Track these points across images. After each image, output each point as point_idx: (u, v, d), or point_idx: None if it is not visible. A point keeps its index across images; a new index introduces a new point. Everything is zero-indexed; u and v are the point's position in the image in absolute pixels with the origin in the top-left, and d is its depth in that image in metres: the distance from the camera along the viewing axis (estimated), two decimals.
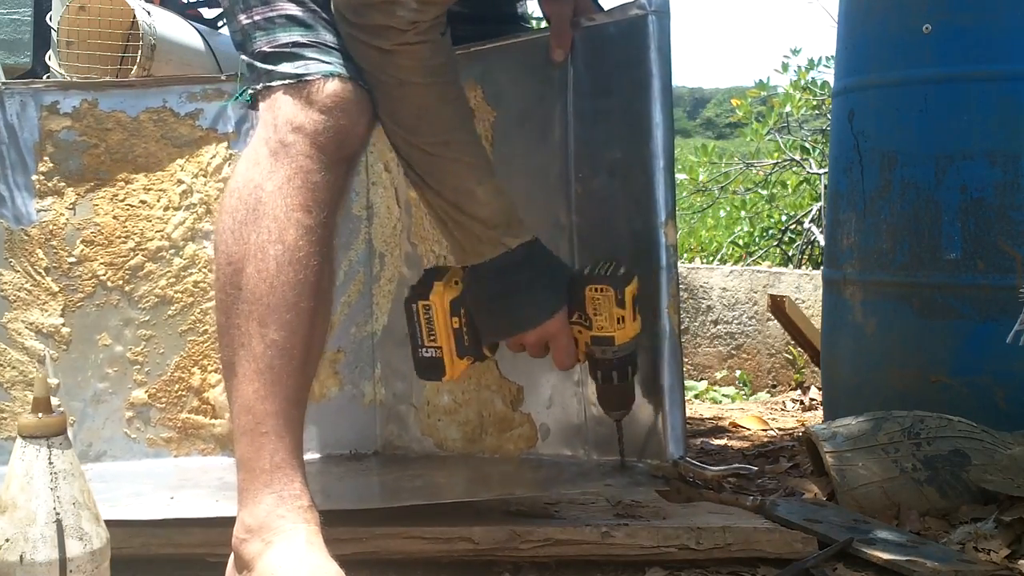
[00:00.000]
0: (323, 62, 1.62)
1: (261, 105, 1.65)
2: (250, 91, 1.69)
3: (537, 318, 1.68)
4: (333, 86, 1.61)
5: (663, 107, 1.71)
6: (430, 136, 1.64)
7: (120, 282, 2.10)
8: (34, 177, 2.09)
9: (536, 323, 1.68)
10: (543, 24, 1.95)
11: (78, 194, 2.09)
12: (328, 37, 1.65)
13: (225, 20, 1.82)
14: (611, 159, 1.77)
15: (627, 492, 1.82)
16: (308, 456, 1.63)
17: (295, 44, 1.64)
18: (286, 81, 1.62)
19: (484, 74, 1.96)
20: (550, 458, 1.92)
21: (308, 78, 1.61)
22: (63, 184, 2.09)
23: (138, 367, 2.10)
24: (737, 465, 1.66)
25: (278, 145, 1.59)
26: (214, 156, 2.12)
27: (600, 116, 1.80)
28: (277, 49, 1.65)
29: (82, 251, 2.09)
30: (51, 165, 2.09)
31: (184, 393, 2.10)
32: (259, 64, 1.66)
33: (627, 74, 1.75)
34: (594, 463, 1.85)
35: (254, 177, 1.59)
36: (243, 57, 1.70)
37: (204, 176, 2.11)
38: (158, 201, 2.11)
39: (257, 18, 1.68)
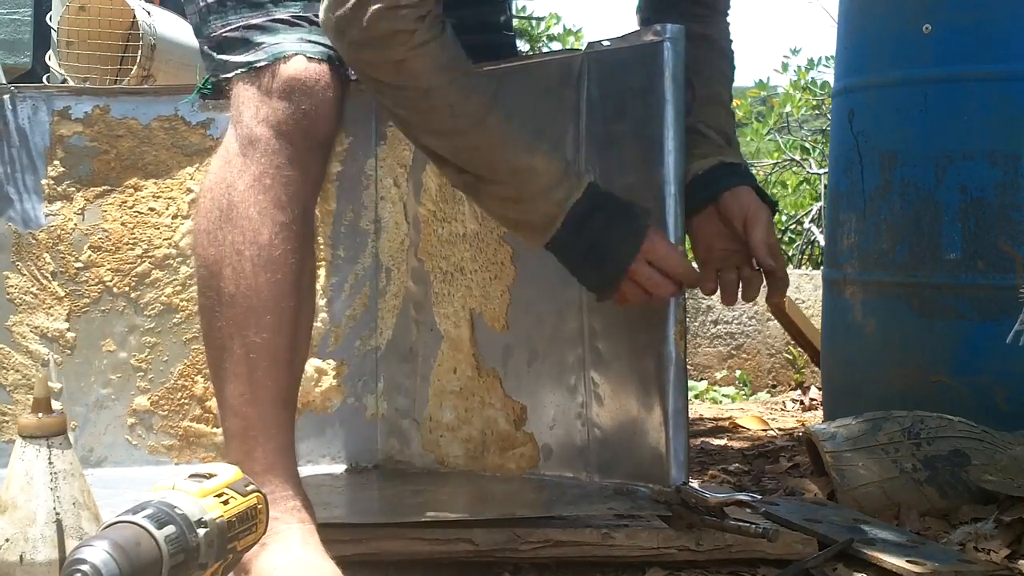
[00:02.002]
0: (274, 44, 1.57)
1: (230, 99, 1.63)
2: (211, 81, 1.67)
3: (636, 243, 1.58)
4: (288, 68, 1.56)
5: (676, 134, 1.70)
6: (472, 132, 1.57)
7: (126, 288, 2.09)
8: (43, 181, 2.08)
9: (636, 248, 1.57)
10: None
11: (87, 199, 2.09)
12: (280, 12, 1.60)
13: (184, 3, 1.77)
14: (622, 183, 1.76)
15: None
16: (309, 467, 1.63)
17: (247, 27, 1.59)
18: (239, 71, 1.59)
19: (496, 94, 1.95)
20: (552, 479, 1.92)
21: (259, 64, 1.57)
22: (72, 189, 2.09)
23: (141, 374, 2.10)
24: (740, 495, 1.66)
25: (245, 141, 1.56)
26: None
27: (612, 140, 1.79)
28: (229, 34, 1.61)
29: (89, 256, 2.09)
30: (61, 170, 2.08)
31: (187, 401, 2.10)
32: (215, 54, 1.62)
33: (640, 100, 1.74)
34: (596, 485, 1.84)
35: (226, 176, 1.57)
36: (202, 44, 1.66)
37: None
38: (167, 209, 2.11)
39: (211, 0, 1.65)
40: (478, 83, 1.60)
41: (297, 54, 1.57)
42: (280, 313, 1.55)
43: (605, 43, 1.81)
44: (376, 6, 1.50)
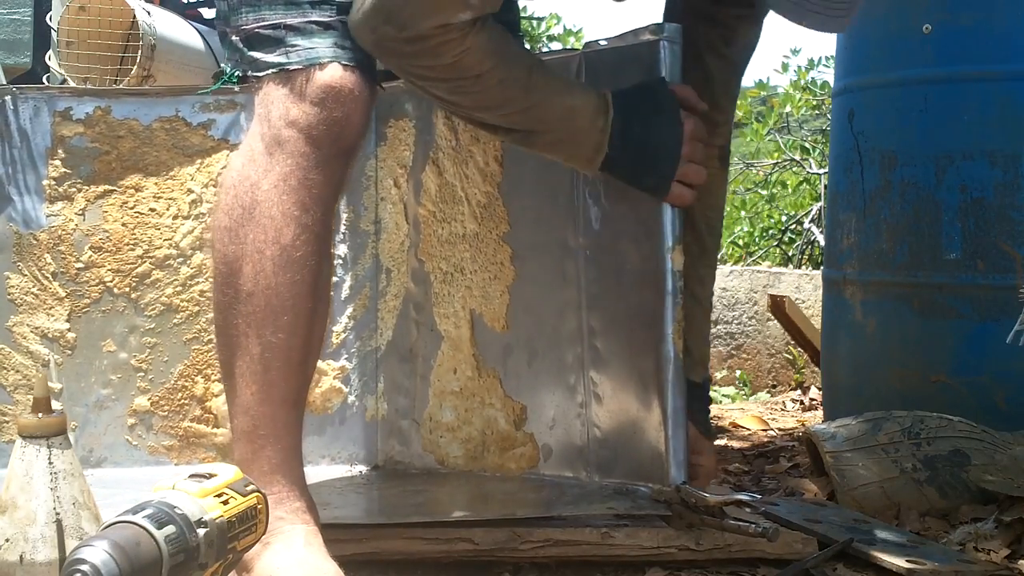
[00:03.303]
0: (309, 48, 1.57)
1: (255, 97, 1.63)
2: (235, 74, 1.66)
3: (677, 143, 1.66)
4: (324, 75, 1.56)
5: None
6: (520, 96, 1.62)
7: (127, 289, 2.10)
8: (45, 182, 2.08)
9: (679, 149, 1.66)
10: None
11: (88, 200, 2.09)
12: (317, 15, 1.59)
13: None
14: (619, 183, 1.77)
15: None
16: (308, 468, 1.63)
17: (283, 26, 1.58)
18: (271, 71, 1.58)
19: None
20: (552, 479, 1.92)
21: (293, 67, 1.57)
22: (73, 190, 2.09)
23: (142, 374, 2.10)
24: (739, 495, 1.66)
25: (272, 141, 1.56)
26: (225, 166, 2.11)
27: None
28: (261, 31, 1.60)
29: (90, 257, 2.09)
30: (62, 170, 2.09)
31: (187, 402, 2.10)
32: (245, 49, 1.61)
33: None
34: (596, 485, 1.84)
35: (250, 175, 1.57)
36: (228, 33, 1.64)
37: (214, 186, 2.11)
38: (167, 209, 2.11)
39: None
40: (516, 48, 1.65)
41: (332, 61, 1.57)
42: (297, 314, 1.55)
43: (602, 43, 1.81)
44: (426, 25, 1.52)
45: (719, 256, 2.14)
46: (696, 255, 1.81)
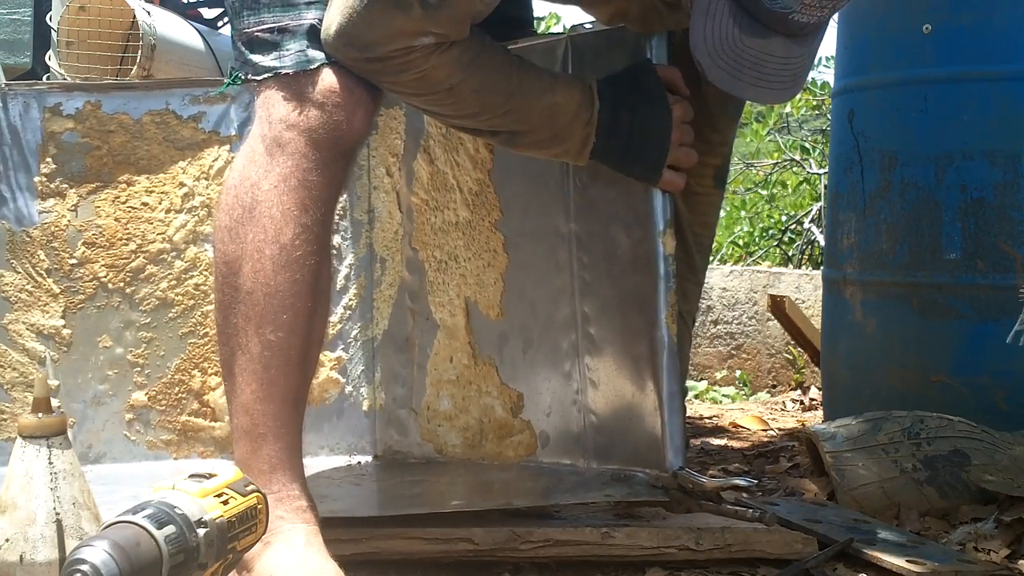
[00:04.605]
0: (301, 51, 1.58)
1: (256, 99, 1.63)
2: (239, 77, 1.67)
3: (665, 138, 1.67)
4: (324, 80, 1.57)
5: None
6: (500, 101, 1.62)
7: (121, 284, 2.10)
8: (36, 178, 2.08)
9: (667, 144, 1.67)
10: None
11: (80, 196, 2.09)
12: (313, 16, 1.59)
13: None
14: (609, 169, 1.77)
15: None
16: (307, 459, 1.63)
17: (280, 30, 1.59)
18: (270, 74, 1.59)
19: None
20: (550, 466, 1.92)
21: (292, 71, 1.58)
22: (65, 186, 2.09)
23: (138, 369, 2.10)
24: (737, 479, 1.66)
25: (273, 143, 1.57)
26: (216, 159, 2.12)
27: None
28: (260, 34, 1.61)
29: (83, 253, 2.09)
30: (53, 167, 2.09)
31: (184, 396, 2.10)
32: (245, 52, 1.62)
33: None
34: (594, 472, 1.84)
35: (250, 175, 1.58)
36: (234, 36, 1.65)
37: (206, 179, 2.11)
38: (160, 203, 2.11)
39: None
40: (493, 54, 1.62)
41: (324, 65, 1.57)
42: (297, 313, 1.55)
43: (586, 26, 1.82)
44: (386, 49, 1.53)
45: (719, 256, 2.15)
46: (683, 271, 1.81)
